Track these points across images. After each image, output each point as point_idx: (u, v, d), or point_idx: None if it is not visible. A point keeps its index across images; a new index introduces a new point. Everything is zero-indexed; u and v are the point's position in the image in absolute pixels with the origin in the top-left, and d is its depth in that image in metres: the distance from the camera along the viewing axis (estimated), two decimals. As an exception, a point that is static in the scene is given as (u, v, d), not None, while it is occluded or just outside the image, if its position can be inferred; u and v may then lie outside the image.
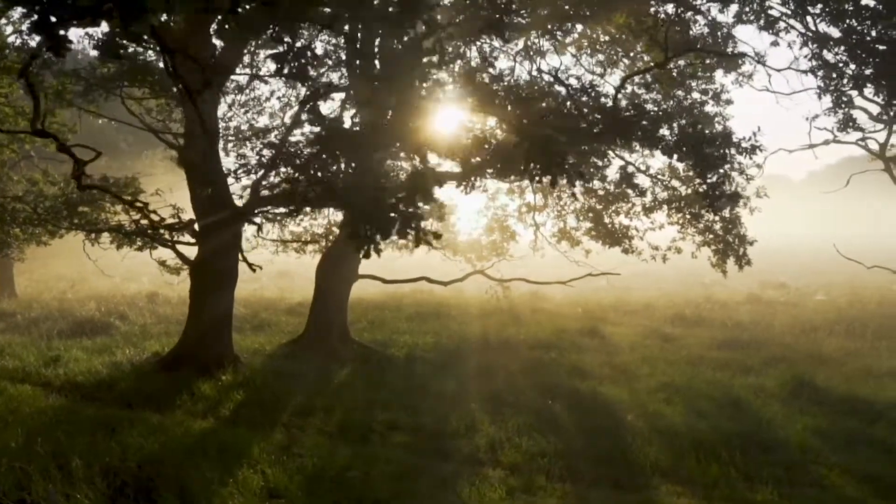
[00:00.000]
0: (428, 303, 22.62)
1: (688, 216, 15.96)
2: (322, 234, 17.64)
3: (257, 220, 12.56)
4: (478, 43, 14.63)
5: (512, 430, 9.16)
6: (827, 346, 16.05)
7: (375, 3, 3.64)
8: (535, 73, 16.57)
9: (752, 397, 11.46)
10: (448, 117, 9.70)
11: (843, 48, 13.16)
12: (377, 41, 12.37)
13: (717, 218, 15.15)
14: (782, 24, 14.45)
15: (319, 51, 17.19)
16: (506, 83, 13.99)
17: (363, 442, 8.82)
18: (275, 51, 3.19)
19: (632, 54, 17.31)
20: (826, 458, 8.58)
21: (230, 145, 16.86)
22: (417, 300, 23.33)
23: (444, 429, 9.30)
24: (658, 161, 17.25)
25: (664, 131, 12.82)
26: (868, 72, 12.95)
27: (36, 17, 2.31)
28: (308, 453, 7.94)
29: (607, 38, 17.39)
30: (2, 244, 16.52)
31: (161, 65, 10.88)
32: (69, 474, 6.70)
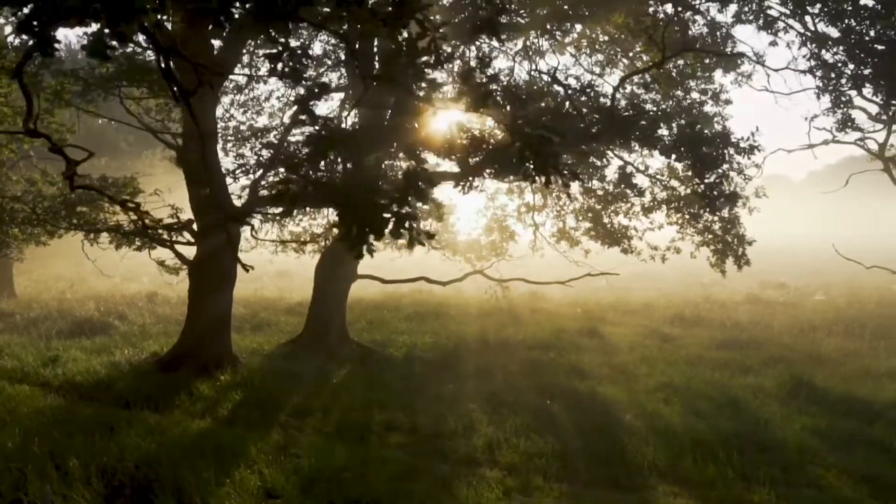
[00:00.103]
0: (427, 303, 22.63)
1: (687, 216, 15.95)
2: (321, 234, 17.65)
3: (254, 220, 12.55)
4: (477, 43, 14.65)
5: (510, 430, 9.16)
6: (825, 346, 16.04)
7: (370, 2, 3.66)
8: (534, 73, 16.59)
9: (750, 397, 11.46)
10: (445, 117, 9.72)
11: (841, 48, 13.17)
12: (376, 41, 12.42)
13: (715, 218, 15.16)
14: (781, 24, 14.46)
15: (318, 51, 17.23)
16: (504, 83, 14.00)
17: (361, 442, 8.82)
18: (269, 51, 3.19)
19: (631, 54, 17.32)
20: (823, 458, 8.57)
21: (229, 145, 16.89)
22: (416, 300, 23.34)
23: (441, 429, 9.29)
24: (657, 161, 17.24)
25: (663, 131, 12.84)
26: (867, 72, 12.97)
27: (24, 17, 2.31)
28: (305, 453, 7.94)
29: (606, 38, 17.40)
30: (1, 244, 16.53)
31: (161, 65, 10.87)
32: (66, 474, 6.72)
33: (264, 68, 16.81)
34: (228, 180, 13.17)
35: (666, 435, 9.15)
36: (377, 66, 9.83)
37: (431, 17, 3.88)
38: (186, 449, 7.68)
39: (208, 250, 12.42)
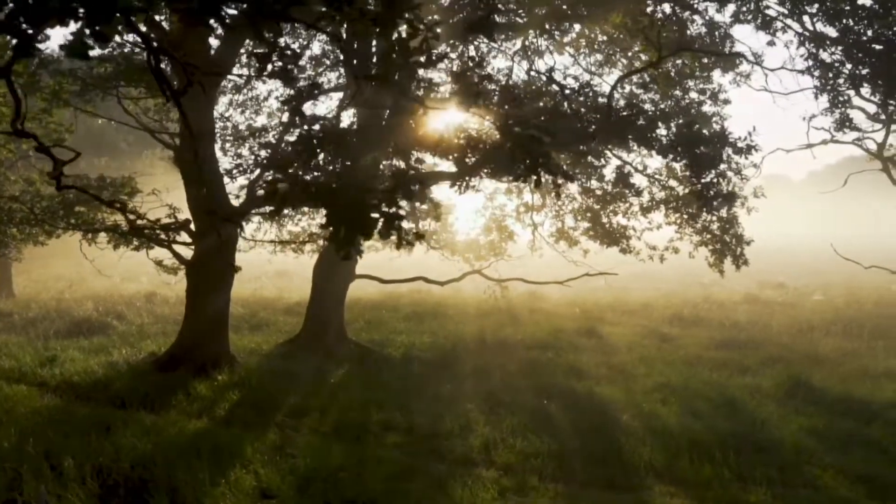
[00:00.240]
0: (426, 303, 22.62)
1: (685, 216, 15.95)
2: (319, 233, 17.64)
3: (251, 221, 12.54)
4: (475, 42, 14.64)
5: (506, 430, 9.15)
6: (824, 346, 16.03)
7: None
8: (533, 72, 16.58)
9: (748, 398, 11.45)
10: (442, 117, 9.72)
11: (839, 48, 13.16)
12: (374, 41, 12.41)
13: (714, 218, 15.15)
14: (779, 24, 14.46)
15: (317, 51, 17.22)
16: (502, 83, 13.99)
17: (357, 442, 8.81)
18: (259, 51, 3.18)
19: (630, 54, 17.32)
20: (820, 458, 8.56)
21: (228, 145, 16.87)
22: (415, 300, 23.34)
23: (438, 429, 9.29)
24: (656, 161, 17.25)
25: (661, 131, 12.83)
26: (865, 71, 12.96)
27: (3, 17, 2.30)
28: (301, 453, 7.95)
29: (605, 37, 17.40)
30: (-1, 244, 16.54)
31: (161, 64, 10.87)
32: (61, 474, 6.72)
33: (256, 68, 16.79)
34: (226, 180, 13.17)
35: (663, 435, 9.14)
36: (375, 65, 9.83)
37: (423, 17, 3.87)
38: (182, 449, 7.68)
39: (206, 250, 12.41)
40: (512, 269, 20.86)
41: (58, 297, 24.15)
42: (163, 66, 10.74)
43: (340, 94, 17.39)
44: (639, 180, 15.88)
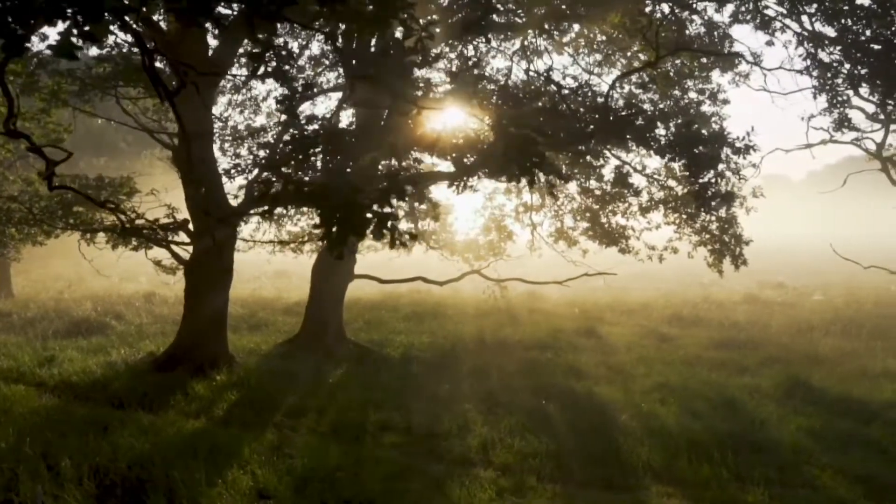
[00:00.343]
0: (425, 303, 22.62)
1: (684, 216, 15.94)
2: (314, 233, 17.64)
3: (249, 221, 12.53)
4: (473, 43, 14.63)
5: (504, 430, 9.14)
6: (823, 346, 16.02)
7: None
8: (532, 72, 16.57)
9: (746, 398, 11.44)
10: (440, 117, 9.71)
11: (838, 48, 13.15)
12: (373, 41, 12.39)
13: (713, 218, 15.14)
14: (778, 24, 14.45)
15: (316, 51, 17.21)
16: (501, 83, 13.98)
17: (355, 442, 8.80)
18: (253, 50, 3.18)
19: (628, 54, 17.31)
20: (819, 458, 8.54)
21: (226, 145, 16.87)
22: (414, 300, 23.33)
23: (436, 429, 9.28)
24: (654, 161, 17.24)
25: (660, 131, 12.81)
26: (863, 71, 12.94)
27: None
28: (299, 453, 7.94)
29: (604, 37, 17.39)
30: (-2, 244, 16.54)
31: (160, 65, 10.85)
32: (58, 475, 6.71)
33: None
34: (225, 180, 13.16)
35: (661, 435, 9.13)
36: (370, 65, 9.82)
37: (420, 17, 3.87)
38: (180, 449, 7.67)
39: (204, 250, 12.40)
40: (511, 269, 20.87)
41: (56, 297, 24.15)
42: (160, 66, 10.77)
43: (339, 94, 17.40)
44: (637, 180, 15.87)
